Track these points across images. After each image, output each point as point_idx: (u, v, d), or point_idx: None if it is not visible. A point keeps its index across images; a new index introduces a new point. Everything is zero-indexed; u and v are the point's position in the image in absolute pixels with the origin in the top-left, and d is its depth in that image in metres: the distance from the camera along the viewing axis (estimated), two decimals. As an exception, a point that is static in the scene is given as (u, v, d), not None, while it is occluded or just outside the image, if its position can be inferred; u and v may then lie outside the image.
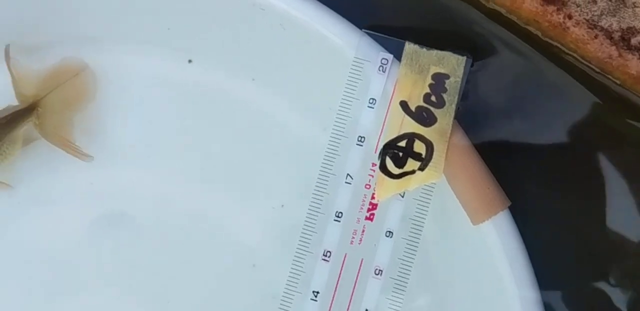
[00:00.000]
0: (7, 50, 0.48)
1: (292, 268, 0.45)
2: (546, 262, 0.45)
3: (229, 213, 0.50)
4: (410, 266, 0.44)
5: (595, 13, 0.45)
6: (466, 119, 0.45)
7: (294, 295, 0.45)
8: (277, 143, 0.50)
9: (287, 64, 0.49)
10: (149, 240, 0.50)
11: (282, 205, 0.49)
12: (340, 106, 0.45)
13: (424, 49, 0.45)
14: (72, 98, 0.50)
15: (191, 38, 0.49)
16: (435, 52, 0.45)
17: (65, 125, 0.50)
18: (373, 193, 0.45)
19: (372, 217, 0.45)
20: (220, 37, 0.49)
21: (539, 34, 0.47)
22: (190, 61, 0.50)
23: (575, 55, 0.47)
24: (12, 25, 0.49)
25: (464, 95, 0.45)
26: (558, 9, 0.45)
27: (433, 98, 0.45)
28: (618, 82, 0.47)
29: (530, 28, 0.47)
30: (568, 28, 0.45)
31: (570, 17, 0.45)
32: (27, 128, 0.49)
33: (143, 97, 0.50)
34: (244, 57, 0.49)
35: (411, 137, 0.44)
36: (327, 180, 0.45)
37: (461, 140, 0.44)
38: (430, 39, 0.45)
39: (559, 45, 0.47)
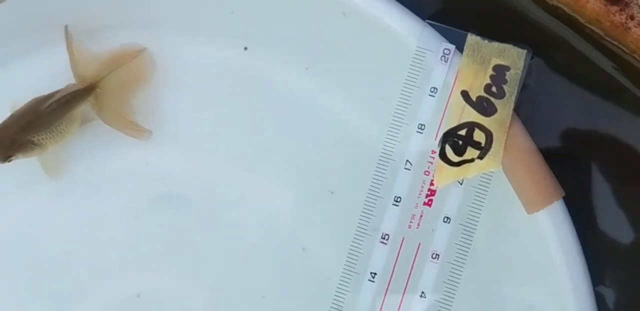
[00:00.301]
0: (67, 31, 0.49)
1: (350, 250, 0.45)
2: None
3: (279, 198, 0.50)
4: (467, 252, 0.44)
5: (657, 15, 0.46)
6: (523, 111, 0.46)
7: (351, 276, 0.45)
8: (327, 131, 0.50)
9: (343, 53, 0.49)
10: (201, 220, 0.50)
11: (332, 192, 0.50)
12: (401, 94, 0.46)
13: (486, 41, 0.45)
14: (129, 81, 0.50)
15: (249, 25, 0.50)
16: (496, 44, 0.45)
17: (122, 107, 0.50)
18: (432, 180, 0.45)
19: (430, 202, 0.45)
20: (279, 25, 0.49)
21: (601, 33, 0.47)
22: (245, 48, 0.51)
23: (635, 55, 0.47)
24: (74, 9, 0.50)
25: (522, 88, 0.45)
26: (621, 10, 0.46)
27: (494, 89, 0.45)
28: (676, 83, 0.47)
29: (592, 27, 0.47)
30: (629, 28, 0.46)
31: (632, 17, 0.45)
32: (85, 108, 0.49)
33: (198, 82, 0.51)
34: (299, 45, 0.50)
35: (471, 126, 0.45)
36: (387, 166, 0.45)
37: (519, 131, 0.45)
38: (492, 32, 0.46)
39: (619, 45, 0.47)
